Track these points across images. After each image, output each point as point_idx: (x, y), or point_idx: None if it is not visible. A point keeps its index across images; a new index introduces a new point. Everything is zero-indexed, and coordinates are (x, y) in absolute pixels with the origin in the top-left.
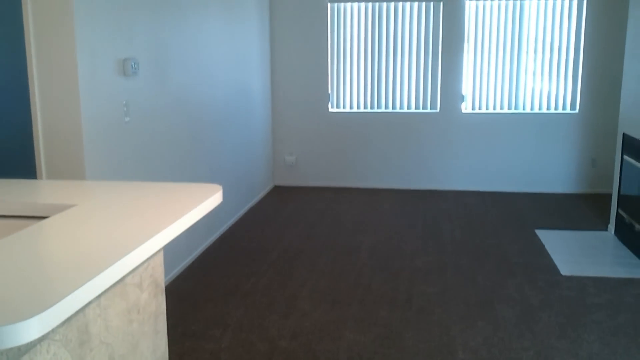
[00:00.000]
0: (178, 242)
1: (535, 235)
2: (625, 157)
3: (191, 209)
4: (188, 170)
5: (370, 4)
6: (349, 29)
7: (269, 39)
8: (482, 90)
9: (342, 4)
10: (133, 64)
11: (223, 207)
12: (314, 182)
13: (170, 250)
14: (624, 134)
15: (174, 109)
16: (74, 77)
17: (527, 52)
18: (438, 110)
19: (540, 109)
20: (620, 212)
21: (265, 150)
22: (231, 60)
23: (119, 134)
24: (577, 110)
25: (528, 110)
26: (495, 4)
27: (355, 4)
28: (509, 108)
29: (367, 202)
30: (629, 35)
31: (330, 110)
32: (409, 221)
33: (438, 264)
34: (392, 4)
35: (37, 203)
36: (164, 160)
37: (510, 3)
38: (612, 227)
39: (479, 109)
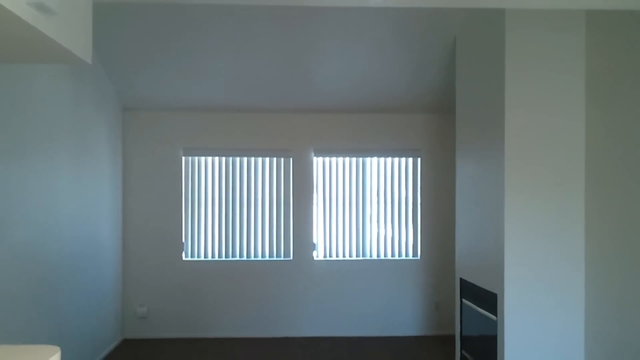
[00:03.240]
0: None
1: None
2: (464, 300)
3: None
4: (27, 328)
5: (224, 158)
6: (204, 180)
7: (121, 189)
8: (332, 238)
9: (196, 157)
10: None
11: None
12: (167, 334)
13: None
14: (460, 279)
15: (13, 266)
16: None
17: (371, 203)
18: (291, 258)
19: (385, 255)
20: (464, 352)
21: (114, 302)
22: (80, 212)
23: None
24: (418, 257)
25: (375, 257)
26: (340, 160)
27: (210, 158)
28: (357, 255)
29: (222, 353)
30: (458, 189)
31: (184, 259)
32: None
33: None
34: (245, 158)
35: None
36: (1, 319)
37: (354, 160)
38: None
39: (330, 256)
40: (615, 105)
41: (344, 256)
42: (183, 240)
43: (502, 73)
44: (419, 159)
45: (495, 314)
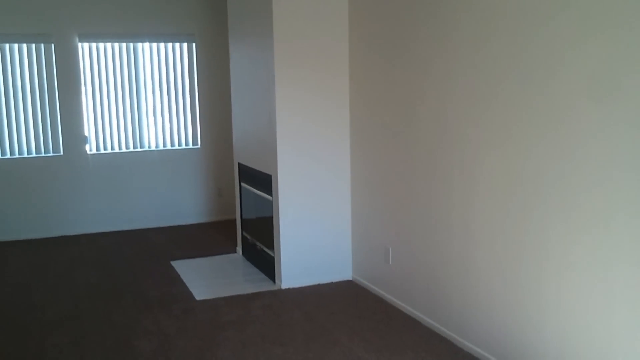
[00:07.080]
0: None
1: (171, 267)
2: (243, 184)
3: None
4: None
5: None
6: None
7: None
8: (106, 130)
9: None
10: None
11: None
12: None
13: None
14: (239, 164)
15: None
16: None
17: (145, 92)
18: (61, 153)
19: (164, 146)
20: (245, 234)
21: None
22: None
23: None
24: (199, 146)
25: (153, 147)
26: (109, 46)
27: None
28: (135, 147)
29: None
30: (232, 75)
31: None
32: (39, 272)
33: (71, 313)
34: None
35: None
36: None
37: (124, 45)
38: (239, 248)
39: (105, 149)
40: (375, 10)
41: (119, 148)
42: None
43: None
44: (194, 45)
45: (271, 194)
